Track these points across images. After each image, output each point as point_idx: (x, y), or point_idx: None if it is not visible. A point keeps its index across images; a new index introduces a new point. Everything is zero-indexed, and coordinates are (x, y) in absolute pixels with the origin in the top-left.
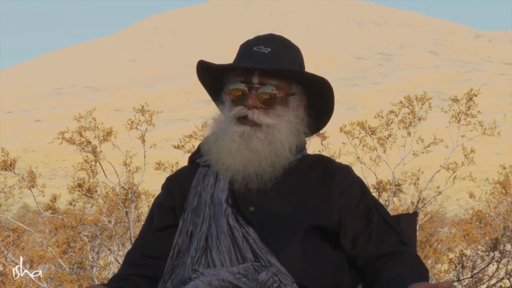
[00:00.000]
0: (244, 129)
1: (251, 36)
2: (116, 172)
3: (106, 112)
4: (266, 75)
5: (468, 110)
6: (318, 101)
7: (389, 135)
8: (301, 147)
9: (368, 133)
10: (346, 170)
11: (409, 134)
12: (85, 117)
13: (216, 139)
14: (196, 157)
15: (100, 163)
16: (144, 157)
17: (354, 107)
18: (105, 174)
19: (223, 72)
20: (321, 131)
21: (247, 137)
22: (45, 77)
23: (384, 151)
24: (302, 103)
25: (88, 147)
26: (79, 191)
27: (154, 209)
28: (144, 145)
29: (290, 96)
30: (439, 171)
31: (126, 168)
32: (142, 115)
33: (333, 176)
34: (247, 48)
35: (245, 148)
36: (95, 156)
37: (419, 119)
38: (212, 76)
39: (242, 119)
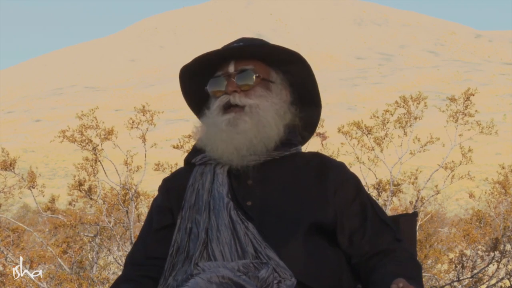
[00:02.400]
0: (229, 117)
1: (251, 36)
2: (117, 171)
3: (106, 112)
4: (241, 60)
5: (466, 109)
6: (302, 87)
7: (386, 134)
8: (294, 139)
9: (364, 133)
10: (341, 167)
11: (405, 134)
12: (87, 115)
13: (207, 133)
14: (191, 158)
15: (100, 162)
16: (145, 157)
17: (354, 107)
18: (105, 173)
19: (204, 80)
20: (321, 131)
21: (234, 123)
22: (45, 77)
23: (381, 151)
24: (285, 91)
25: (89, 146)
26: (79, 190)
27: (153, 210)
28: (145, 144)
29: (270, 82)
30: (437, 170)
31: (127, 167)
32: (143, 115)
33: (328, 173)
34: (222, 48)
35: (235, 133)
36: (95, 155)
37: (415, 118)
38: (196, 87)
39: (227, 108)
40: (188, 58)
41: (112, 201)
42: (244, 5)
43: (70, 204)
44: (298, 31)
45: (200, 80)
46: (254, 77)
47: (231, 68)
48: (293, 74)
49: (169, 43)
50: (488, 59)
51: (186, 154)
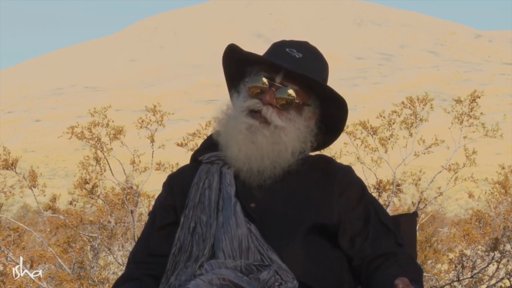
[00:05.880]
0: (253, 123)
1: (251, 36)
2: (124, 170)
3: (106, 112)
4: (290, 77)
5: (471, 111)
6: (330, 119)
7: (391, 135)
8: (305, 152)
9: (370, 133)
10: (347, 170)
11: (410, 135)
12: (99, 113)
13: (225, 127)
14: (198, 155)
15: (107, 161)
16: (152, 157)
17: (354, 107)
18: (112, 172)
19: (249, 63)
20: None
21: (253, 131)
22: (45, 77)
23: (386, 151)
24: (314, 116)
25: (98, 144)
26: (84, 188)
27: (156, 207)
28: (152, 145)
29: (306, 106)
30: (440, 171)
31: (134, 167)
32: (154, 115)
33: (334, 176)
34: (280, 47)
35: (250, 141)
36: (103, 153)
37: (421, 120)
38: (237, 64)
39: (254, 113)
40: (188, 58)
41: (114, 200)
42: (244, 5)
43: (70, 203)
44: (298, 31)
45: (243, 61)
46: (294, 100)
47: (278, 79)
48: (329, 108)
49: (169, 43)
50: (488, 59)
51: (189, 152)
